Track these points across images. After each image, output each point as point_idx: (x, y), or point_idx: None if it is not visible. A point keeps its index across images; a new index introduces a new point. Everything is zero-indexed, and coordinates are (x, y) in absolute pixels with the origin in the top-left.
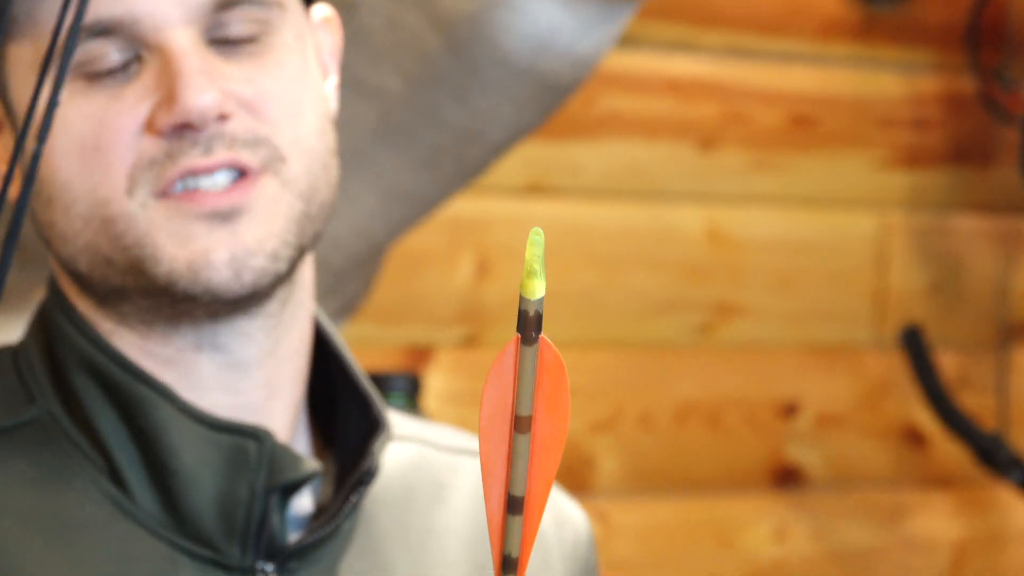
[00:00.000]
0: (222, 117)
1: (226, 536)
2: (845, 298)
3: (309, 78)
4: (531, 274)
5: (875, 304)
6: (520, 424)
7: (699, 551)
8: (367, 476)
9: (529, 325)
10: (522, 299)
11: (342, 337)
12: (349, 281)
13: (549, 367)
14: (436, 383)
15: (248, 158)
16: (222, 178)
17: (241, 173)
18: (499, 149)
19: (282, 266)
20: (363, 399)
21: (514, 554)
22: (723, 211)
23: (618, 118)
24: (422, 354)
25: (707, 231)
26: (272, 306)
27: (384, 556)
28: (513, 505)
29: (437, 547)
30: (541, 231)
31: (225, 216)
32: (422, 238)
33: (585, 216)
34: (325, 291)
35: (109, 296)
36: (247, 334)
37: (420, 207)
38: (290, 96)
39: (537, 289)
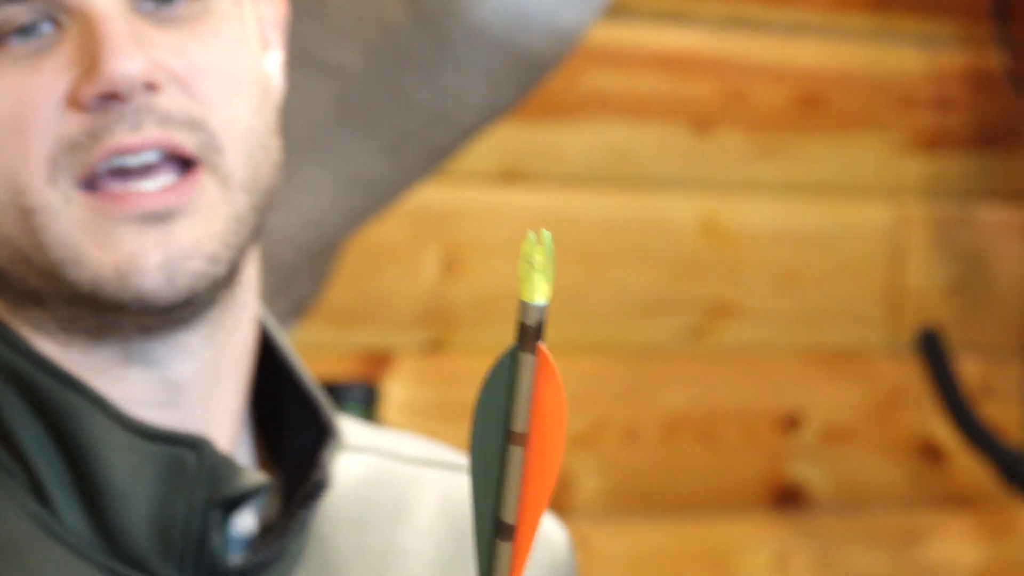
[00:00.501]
0: (150, 87)
1: (162, 557)
2: (856, 298)
3: (247, 50)
4: (533, 273)
5: (889, 304)
6: (514, 439)
7: None
8: (317, 489)
9: (529, 335)
10: (521, 305)
11: (290, 340)
12: (300, 279)
13: (546, 380)
14: (397, 393)
15: (182, 140)
16: (151, 157)
17: (175, 160)
18: (470, 132)
19: (221, 269)
20: (311, 406)
21: None
22: (721, 201)
23: (603, 97)
24: (381, 360)
25: (702, 223)
26: (212, 312)
27: None
28: (502, 531)
29: (398, 569)
30: (548, 233)
31: (160, 218)
32: (383, 231)
33: (566, 207)
34: (274, 290)
35: (25, 300)
36: (184, 347)
37: (381, 196)
38: (225, 70)
39: (539, 291)
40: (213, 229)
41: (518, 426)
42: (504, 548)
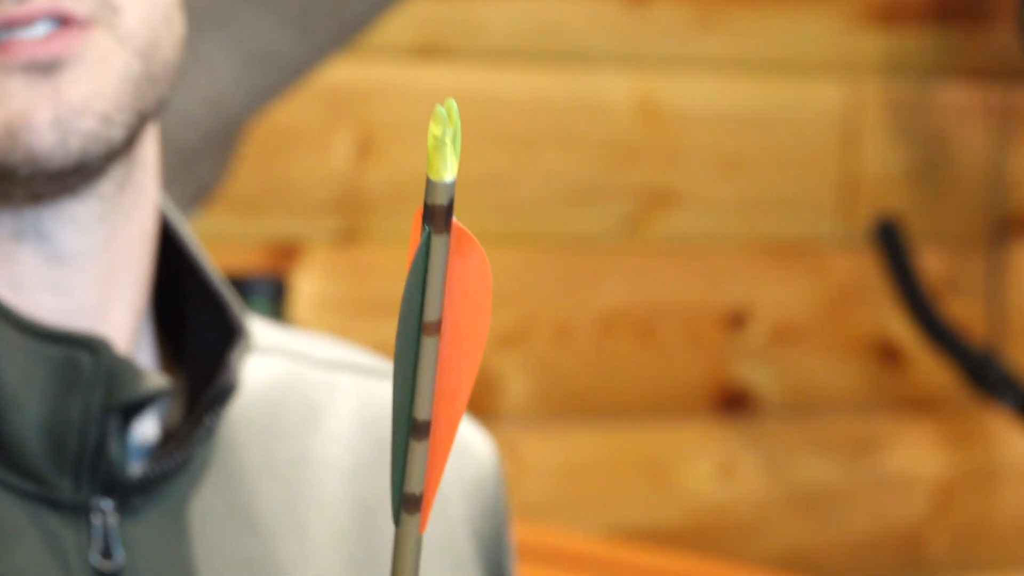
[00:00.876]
0: None
1: (55, 467)
2: (806, 185)
3: None
4: (441, 147)
5: (843, 192)
6: (427, 329)
7: (628, 491)
8: (224, 393)
9: (438, 215)
10: (429, 182)
11: (193, 231)
12: (202, 163)
13: (465, 261)
14: (307, 287)
15: (72, 5)
16: (42, 28)
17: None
18: (385, 4)
19: (116, 132)
20: (217, 303)
21: (415, 490)
22: (658, 79)
23: None
24: (290, 251)
25: (638, 103)
26: (106, 187)
27: (247, 491)
28: (417, 430)
29: (312, 481)
30: (454, 104)
31: (45, 68)
32: (291, 112)
33: (489, 85)
34: (172, 176)
35: None
36: (76, 220)
37: (288, 74)
38: None
39: (446, 167)
40: (105, 87)
41: (431, 315)
42: (419, 448)
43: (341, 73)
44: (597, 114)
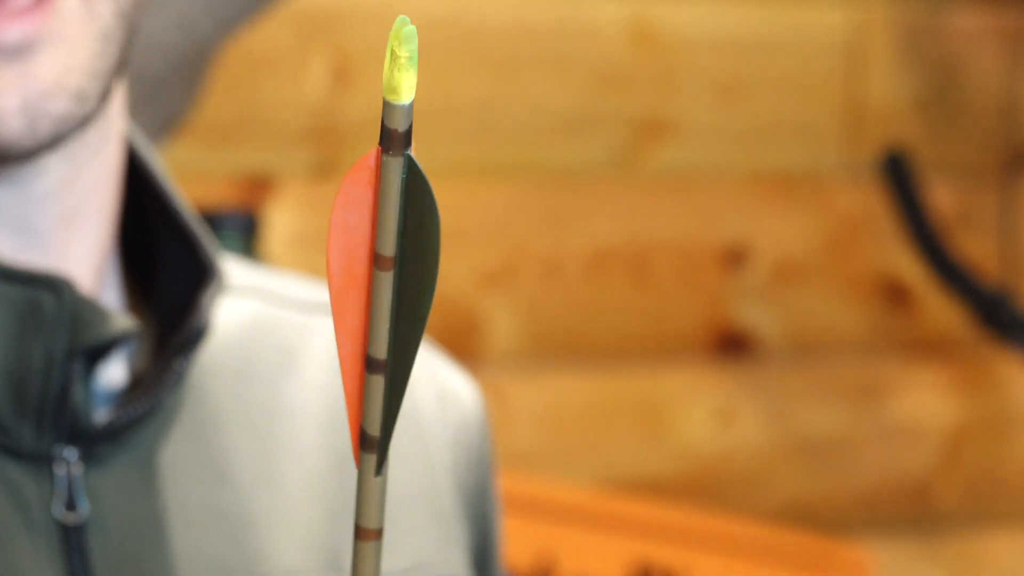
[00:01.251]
0: None
1: (16, 414)
2: (808, 113)
3: None
4: (399, 67)
5: (848, 121)
6: (380, 264)
7: (621, 438)
8: (195, 336)
9: (394, 139)
10: (386, 104)
11: (163, 163)
12: (169, 91)
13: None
14: (280, 221)
15: None
16: None
17: None
18: None
19: (90, 106)
20: (189, 241)
21: (372, 430)
22: (651, 1)
23: None
24: (262, 184)
25: (631, 26)
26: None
27: (219, 439)
28: (373, 366)
29: (286, 428)
30: (408, 20)
31: (14, 51)
32: (263, 36)
33: (472, 7)
34: (138, 103)
35: None
36: (38, 165)
37: None
38: None
39: (405, 88)
40: (78, 59)
41: (385, 248)
42: (374, 382)
43: None
44: (586, 38)
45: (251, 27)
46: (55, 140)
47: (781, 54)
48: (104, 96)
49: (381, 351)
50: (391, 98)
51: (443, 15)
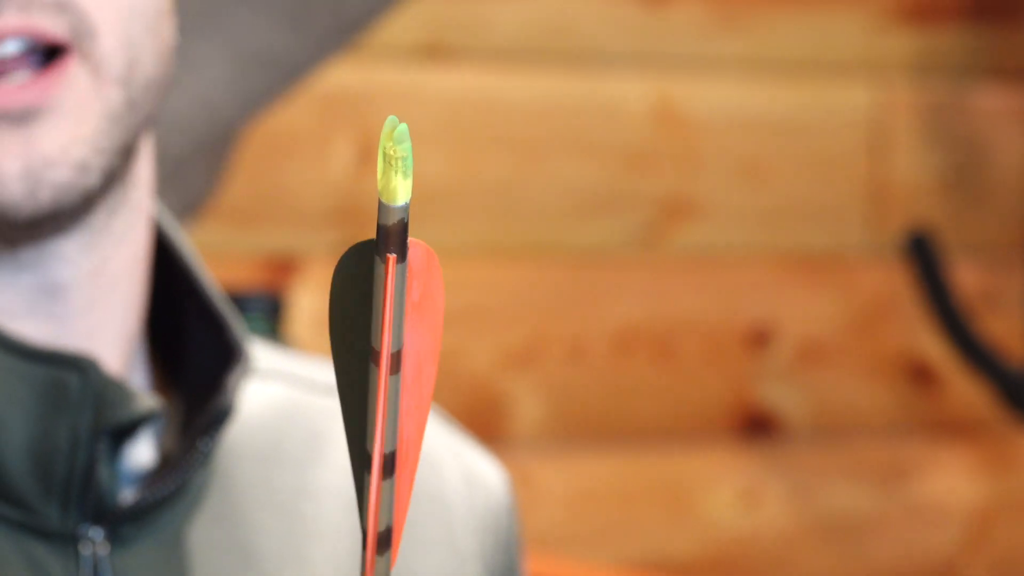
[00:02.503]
0: None
1: (42, 493)
2: (833, 193)
3: None
4: (393, 169)
5: (872, 201)
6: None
7: (645, 520)
8: (220, 417)
9: (391, 240)
10: (382, 207)
11: (191, 244)
12: (193, 172)
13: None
14: (305, 303)
15: (47, 25)
16: (12, 48)
17: (41, 51)
18: (386, 2)
19: (93, 179)
20: (216, 323)
21: (380, 526)
22: (675, 81)
23: None
24: (286, 265)
25: (655, 107)
26: (96, 218)
27: (246, 522)
28: (385, 465)
29: (312, 510)
30: (396, 119)
31: (19, 118)
32: (288, 117)
33: (497, 88)
34: (163, 184)
35: None
36: (57, 254)
37: (284, 76)
38: None
39: (400, 190)
40: (83, 131)
41: (392, 345)
42: (387, 486)
43: (340, 75)
44: (612, 118)
45: (275, 108)
46: (55, 209)
47: (805, 134)
48: (110, 174)
49: (393, 444)
50: (386, 198)
51: (468, 96)
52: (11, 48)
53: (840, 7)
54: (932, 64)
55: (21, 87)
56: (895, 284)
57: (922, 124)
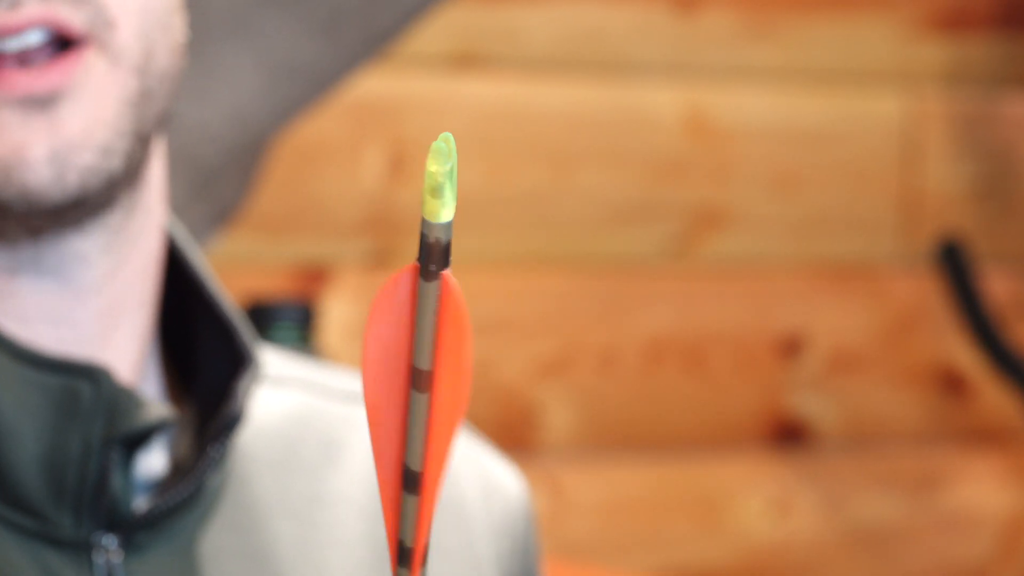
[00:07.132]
0: None
1: (54, 502)
2: (864, 203)
3: None
4: (435, 191)
5: (903, 211)
6: (419, 381)
7: (677, 529)
8: (230, 423)
9: (433, 257)
10: (424, 223)
11: (202, 254)
12: (224, 182)
13: (450, 311)
14: (337, 311)
15: (67, 16)
16: (34, 38)
17: (59, 39)
18: (418, 11)
19: (116, 162)
20: (226, 330)
21: (409, 542)
22: (708, 91)
23: None
24: (318, 275)
25: (687, 117)
26: (114, 217)
27: (260, 529)
28: (409, 482)
29: (328, 517)
30: (451, 137)
31: (42, 101)
32: (319, 127)
33: (529, 97)
34: (193, 194)
35: None
36: (78, 254)
37: (315, 86)
38: None
39: (443, 210)
40: (104, 115)
41: (422, 363)
42: (411, 502)
43: (372, 85)
44: (643, 128)
45: (306, 118)
46: (81, 194)
47: (836, 144)
48: (132, 159)
49: (418, 463)
50: (430, 216)
51: (500, 105)
52: (33, 39)
53: (872, 17)
54: (964, 73)
55: (42, 69)
56: (926, 293)
57: (954, 133)
